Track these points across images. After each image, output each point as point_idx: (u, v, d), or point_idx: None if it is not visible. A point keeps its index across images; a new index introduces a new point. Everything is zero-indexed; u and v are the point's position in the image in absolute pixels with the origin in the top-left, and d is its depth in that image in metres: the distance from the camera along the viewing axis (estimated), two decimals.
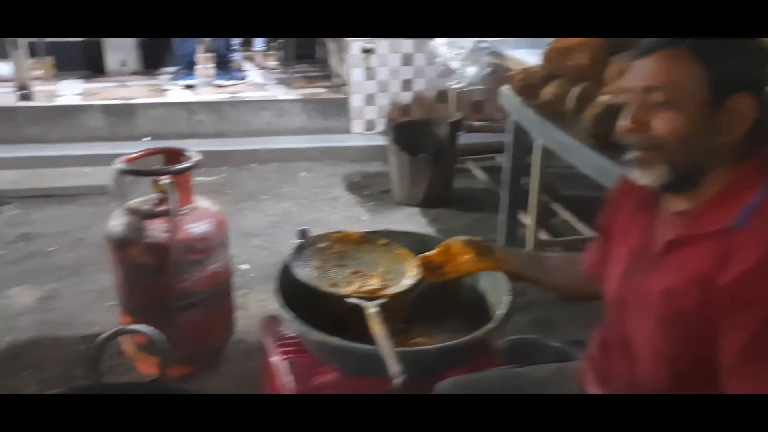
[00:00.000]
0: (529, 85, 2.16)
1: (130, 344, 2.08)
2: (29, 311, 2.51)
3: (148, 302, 1.99)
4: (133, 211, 2.00)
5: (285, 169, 4.24)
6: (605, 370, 1.18)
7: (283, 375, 1.67)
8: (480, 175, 3.87)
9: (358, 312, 1.66)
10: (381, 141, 4.47)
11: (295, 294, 1.71)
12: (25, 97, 4.37)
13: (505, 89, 2.40)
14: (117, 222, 2.00)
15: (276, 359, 1.74)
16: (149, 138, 4.41)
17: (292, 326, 1.62)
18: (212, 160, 3.94)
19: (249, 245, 3.12)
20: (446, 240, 1.54)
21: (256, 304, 2.61)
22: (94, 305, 2.56)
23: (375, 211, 3.55)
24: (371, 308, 1.61)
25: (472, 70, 3.02)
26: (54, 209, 3.50)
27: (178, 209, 1.93)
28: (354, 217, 3.47)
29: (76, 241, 3.13)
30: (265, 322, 1.90)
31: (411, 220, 3.42)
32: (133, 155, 2.07)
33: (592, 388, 1.21)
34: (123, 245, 1.96)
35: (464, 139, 3.85)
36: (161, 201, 2.03)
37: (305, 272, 1.77)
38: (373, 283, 1.77)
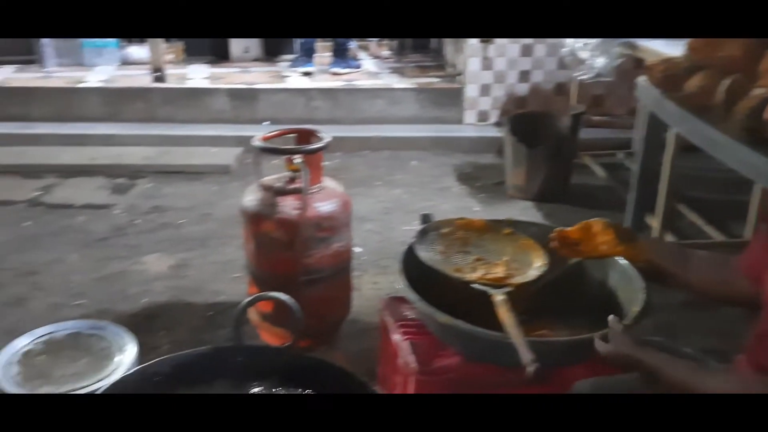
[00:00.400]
0: (671, 77, 2.05)
1: (256, 314, 2.18)
2: (163, 277, 2.68)
3: (277, 274, 2.07)
4: (267, 188, 2.09)
5: (396, 157, 4.28)
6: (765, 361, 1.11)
7: (405, 354, 1.69)
8: (599, 171, 3.74)
9: (478, 299, 1.65)
10: (494, 132, 4.42)
11: (418, 277, 1.72)
12: (159, 79, 4.67)
13: (643, 81, 2.30)
14: (251, 197, 2.10)
15: (398, 339, 1.77)
16: (268, 122, 4.60)
17: (418, 307, 1.64)
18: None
19: (362, 229, 3.18)
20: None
21: (369, 286, 2.67)
22: (220, 275, 2.71)
23: (487, 202, 3.51)
24: (499, 296, 1.60)
25: (601, 61, 2.91)
26: (182, 185, 3.73)
27: (309, 188, 2.00)
28: (466, 207, 3.45)
29: (202, 215, 3.32)
30: (386, 303, 1.94)
31: (525, 214, 3.35)
32: (270, 134, 2.16)
33: None
34: (256, 219, 2.05)
35: (582, 133, 3.72)
36: (293, 179, 2.11)
37: (429, 255, 1.78)
38: (498, 272, 1.75)
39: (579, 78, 3.42)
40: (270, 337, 2.22)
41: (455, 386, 1.62)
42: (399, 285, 2.58)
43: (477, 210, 3.42)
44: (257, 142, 2.09)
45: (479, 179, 3.84)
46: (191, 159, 4.02)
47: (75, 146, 4.18)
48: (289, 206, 2.03)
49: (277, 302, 2.11)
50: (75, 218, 3.26)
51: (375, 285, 2.67)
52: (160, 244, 2.98)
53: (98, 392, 1.32)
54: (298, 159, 2.03)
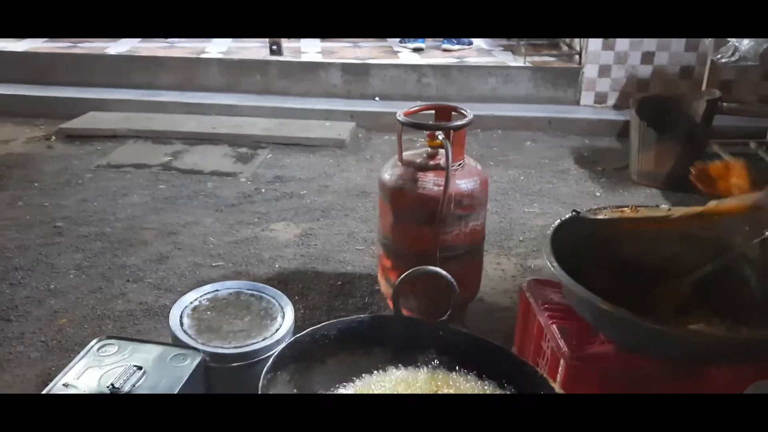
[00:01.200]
0: None
1: (389, 287, 2.23)
2: (292, 245, 2.79)
3: (414, 249, 2.10)
4: (408, 163, 2.11)
5: (509, 137, 4.22)
6: None
7: (554, 339, 1.69)
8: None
9: (638, 282, 1.63)
10: (612, 115, 4.28)
11: (566, 260, 1.70)
12: (275, 52, 4.79)
13: None
14: (392, 172, 2.13)
15: (545, 322, 1.76)
16: (378, 98, 4.64)
17: (571, 291, 1.62)
18: None
19: None
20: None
21: (492, 267, 2.66)
22: (345, 246, 2.78)
23: (610, 188, 3.41)
24: None
25: (748, 44, 2.74)
26: (300, 156, 3.83)
27: (452, 164, 2.00)
28: (587, 192, 3.37)
29: (321, 187, 3.40)
30: (529, 285, 1.93)
31: (652, 202, 3.23)
32: (412, 109, 2.17)
33: None
34: (397, 194, 2.08)
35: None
36: (433, 155, 2.13)
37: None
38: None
39: (718, 60, 3.24)
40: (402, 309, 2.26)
41: (607, 375, 1.61)
42: (530, 266, 2.58)
43: (599, 195, 3.33)
44: (401, 117, 2.11)
45: (599, 163, 3.73)
46: (307, 132, 4.12)
47: (197, 115, 4.38)
48: (430, 182, 2.05)
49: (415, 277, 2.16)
50: (205, 184, 3.42)
51: (498, 266, 2.67)
52: (285, 213, 3.09)
53: (273, 353, 1.39)
54: (441, 135, 2.04)
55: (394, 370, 1.50)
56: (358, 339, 1.52)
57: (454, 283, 1.56)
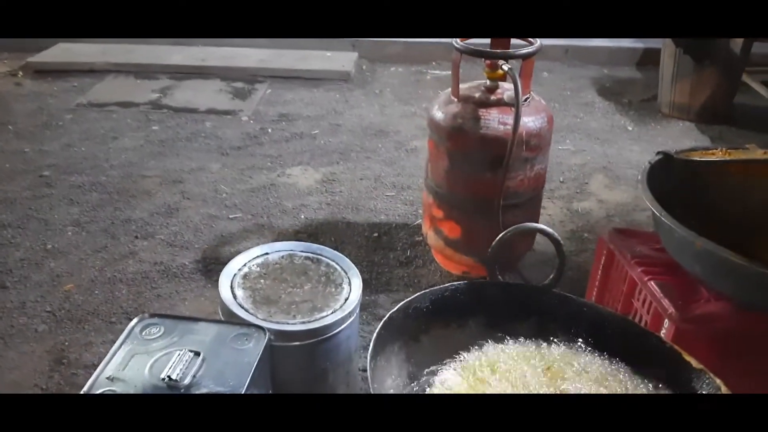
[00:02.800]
0: None
1: (438, 237, 2.00)
2: (315, 192, 2.52)
3: (473, 197, 1.87)
4: (466, 99, 1.85)
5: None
6: None
7: (656, 297, 1.49)
8: (763, 91, 3.35)
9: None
10: (633, 42, 4.02)
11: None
12: None
13: None
14: (446, 109, 1.87)
15: (640, 278, 1.57)
16: None
17: (686, 241, 1.41)
18: (443, 53, 3.75)
19: None
20: None
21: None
22: (373, 193, 2.53)
23: (640, 121, 3.20)
24: None
25: None
26: (303, 91, 3.50)
27: (522, 100, 1.75)
28: (618, 126, 3.15)
29: (333, 126, 3.11)
30: (611, 235, 1.73)
31: (687, 136, 3.04)
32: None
33: None
34: (455, 135, 1.82)
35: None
36: (492, 89, 1.87)
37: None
38: None
39: None
40: (450, 264, 2.05)
41: (721, 337, 1.43)
42: (577, 209, 2.38)
43: (631, 129, 3.12)
44: (458, 44, 1.82)
45: (624, 94, 3.51)
46: (307, 63, 3.77)
47: (182, 46, 3.97)
48: (494, 120, 1.80)
49: (466, 229, 1.94)
50: (203, 123, 3.09)
51: (544, 210, 2.45)
52: (300, 156, 2.80)
53: (343, 328, 1.17)
54: (507, 65, 1.78)
55: (495, 346, 1.30)
56: (451, 310, 1.30)
57: (561, 241, 1.34)
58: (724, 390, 1.13)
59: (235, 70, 3.68)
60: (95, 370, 1.19)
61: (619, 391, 1.19)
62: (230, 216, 2.35)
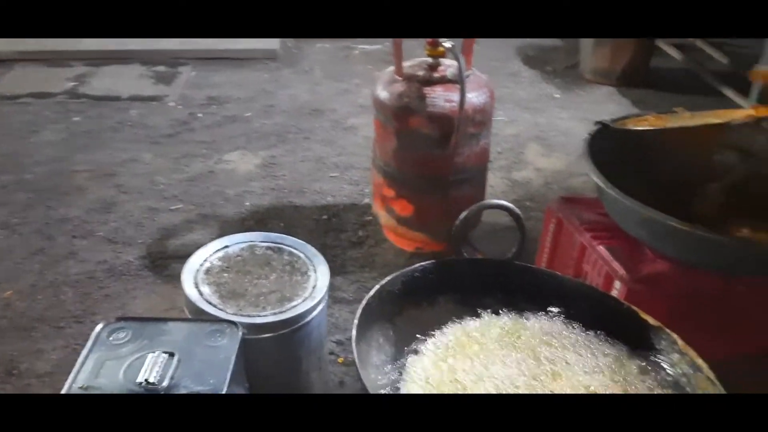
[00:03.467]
0: None
1: (390, 217, 2.02)
2: (256, 177, 2.48)
3: (423, 175, 1.90)
4: (410, 77, 1.86)
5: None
6: None
7: (606, 261, 1.58)
8: (676, 53, 3.54)
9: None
10: None
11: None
12: None
13: None
14: (391, 89, 1.87)
15: (589, 243, 1.65)
16: None
17: (629, 208, 1.49)
18: None
19: None
20: None
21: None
22: (317, 174, 2.51)
23: (565, 88, 3.32)
24: None
25: None
26: (230, 73, 3.40)
27: (465, 76, 1.78)
28: (545, 94, 3.26)
29: (267, 107, 3.05)
30: (558, 204, 1.80)
31: (610, 100, 3.19)
32: None
33: None
34: (402, 114, 1.84)
35: None
36: (435, 66, 1.89)
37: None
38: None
39: None
40: (403, 241, 2.08)
41: (668, 294, 1.53)
42: (517, 179, 2.46)
43: (557, 97, 3.24)
44: None
45: (548, 62, 3.62)
46: (231, 43, 3.65)
47: None
48: (440, 98, 1.82)
49: (418, 206, 1.97)
50: (127, 112, 2.95)
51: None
52: (235, 140, 2.74)
53: (314, 315, 1.17)
54: (448, 42, 1.80)
55: (466, 321, 1.34)
56: (422, 290, 1.33)
57: (521, 215, 1.39)
58: (680, 344, 1.22)
59: (155, 53, 3.52)
60: (51, 378, 1.15)
61: (588, 355, 1.26)
62: (171, 207, 2.28)
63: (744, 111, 1.81)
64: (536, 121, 2.98)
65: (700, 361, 1.17)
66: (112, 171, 2.47)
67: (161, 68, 3.41)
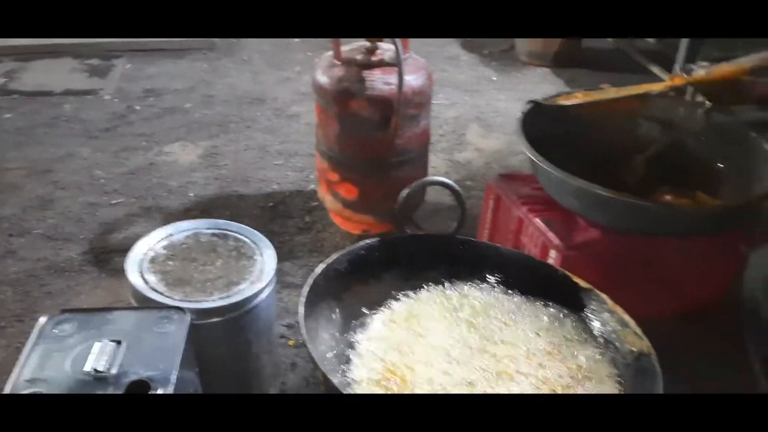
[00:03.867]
0: None
1: (335, 201, 2.05)
2: (199, 168, 2.46)
3: (365, 157, 1.93)
4: (348, 61, 1.88)
5: None
6: None
7: (543, 231, 1.66)
8: None
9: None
10: None
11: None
12: None
13: None
14: (330, 73, 1.89)
15: (526, 216, 1.72)
16: None
17: (561, 180, 1.57)
18: None
19: None
20: None
21: None
22: (261, 162, 2.51)
23: (502, 71, 3.40)
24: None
25: None
26: (166, 64, 3.35)
27: (403, 60, 1.82)
28: (483, 77, 3.33)
29: (206, 98, 3.02)
30: (497, 181, 1.87)
31: (545, 81, 3.29)
32: None
33: None
34: (342, 98, 1.86)
35: None
36: (372, 50, 1.92)
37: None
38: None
39: None
40: (350, 224, 2.11)
41: (599, 260, 1.62)
42: (458, 160, 2.52)
43: (495, 79, 3.32)
44: None
45: (484, 46, 3.69)
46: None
47: None
48: (379, 81, 1.86)
49: (362, 189, 2.01)
50: (61, 107, 2.87)
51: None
52: (175, 132, 2.71)
53: (261, 298, 1.18)
54: None
55: (412, 295, 1.39)
56: (368, 266, 1.37)
57: (460, 191, 1.44)
58: (609, 304, 1.30)
59: (87, 45, 3.42)
60: None
61: (526, 320, 1.33)
62: (112, 202, 2.24)
63: (662, 83, 1.92)
64: (476, 103, 3.05)
65: (627, 318, 1.25)
66: (48, 167, 2.41)
67: (95, 61, 3.33)
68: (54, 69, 3.23)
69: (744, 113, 1.84)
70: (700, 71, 1.64)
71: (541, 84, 3.24)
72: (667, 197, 1.75)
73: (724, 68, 1.59)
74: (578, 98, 1.82)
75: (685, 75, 1.71)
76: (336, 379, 1.11)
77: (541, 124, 1.81)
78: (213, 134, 2.69)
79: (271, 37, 3.35)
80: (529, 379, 1.20)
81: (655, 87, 1.90)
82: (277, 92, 3.08)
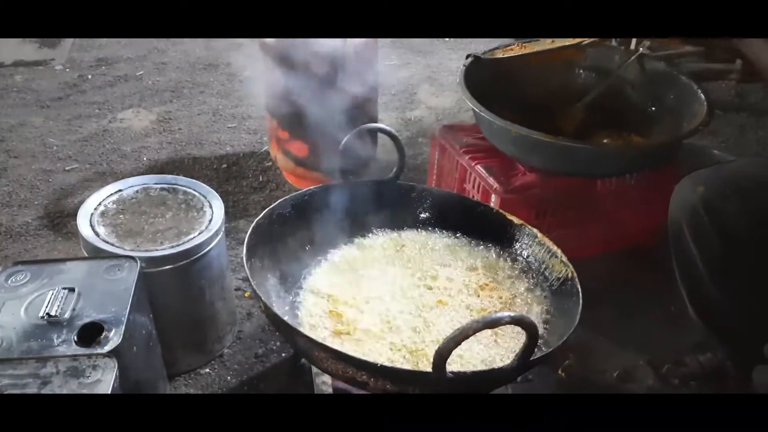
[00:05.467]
0: None
1: (288, 159, 2.10)
2: (152, 133, 2.47)
3: (315, 115, 1.98)
4: None
5: None
6: None
7: (484, 177, 1.73)
8: None
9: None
10: None
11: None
12: None
13: None
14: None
15: (468, 163, 1.79)
16: None
17: (502, 129, 1.63)
18: None
19: None
20: None
21: None
22: (214, 126, 2.54)
23: None
24: None
25: None
26: None
27: None
28: (437, 40, 3.37)
29: (159, 65, 3.01)
30: (441, 131, 1.94)
31: (497, 39, 3.34)
32: None
33: None
34: (288, 57, 1.89)
35: None
36: None
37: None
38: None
39: None
40: (303, 182, 2.16)
41: (537, 201, 1.71)
42: (410, 118, 2.58)
43: (448, 40, 3.36)
44: None
45: None
46: None
47: None
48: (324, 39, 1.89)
49: (313, 146, 2.06)
50: (12, 78, 2.84)
51: (381, 122, 2.62)
52: (128, 99, 2.71)
53: (213, 245, 1.23)
54: None
55: (355, 239, 1.46)
56: (312, 212, 1.43)
57: (398, 137, 1.51)
58: (539, 237, 1.38)
59: None
60: None
61: (464, 257, 1.41)
62: (66, 168, 2.25)
63: None
64: (428, 63, 3.10)
65: (555, 248, 1.33)
66: (0, 137, 2.40)
67: None
68: (3, 41, 3.18)
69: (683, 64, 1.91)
70: None
71: (493, 42, 3.29)
72: (605, 141, 1.84)
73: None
74: (516, 50, 1.89)
75: None
76: (281, 311, 1.18)
77: (483, 77, 1.88)
78: (166, 100, 2.70)
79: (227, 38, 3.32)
80: (463, 307, 1.29)
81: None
82: (231, 57, 3.08)
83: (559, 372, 1.57)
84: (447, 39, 3.36)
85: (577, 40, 1.84)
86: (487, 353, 1.19)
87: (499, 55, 1.91)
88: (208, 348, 1.59)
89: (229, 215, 2.04)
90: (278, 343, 1.65)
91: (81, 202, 2.05)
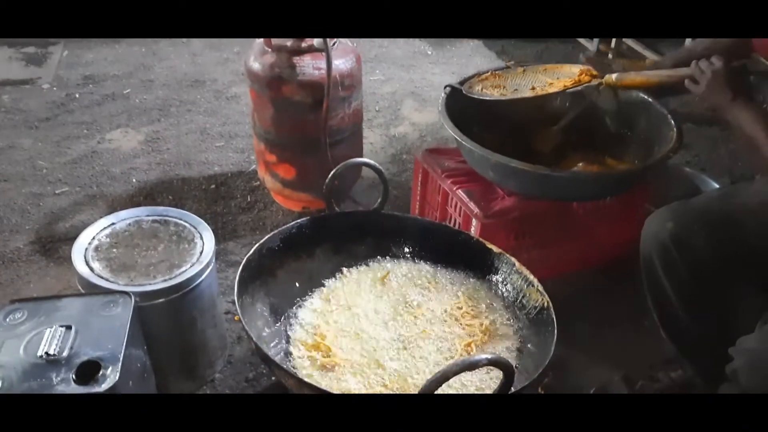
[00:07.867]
0: None
1: (275, 181, 2.15)
2: (141, 153, 2.51)
3: (301, 139, 2.03)
4: (279, 48, 1.97)
5: None
6: None
7: (465, 202, 1.80)
8: None
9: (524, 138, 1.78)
10: None
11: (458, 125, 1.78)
12: None
13: None
14: (262, 60, 1.97)
15: (450, 188, 1.86)
16: None
17: (482, 156, 1.69)
18: None
19: None
20: None
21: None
22: (202, 145, 2.58)
23: (437, 45, 3.51)
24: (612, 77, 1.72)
25: None
26: (104, 49, 3.34)
27: (332, 45, 1.91)
28: (419, 52, 3.44)
29: (145, 83, 3.04)
30: (424, 155, 2.00)
31: (477, 53, 3.41)
32: None
33: None
34: (276, 83, 1.94)
35: None
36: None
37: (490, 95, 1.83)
38: (555, 85, 1.83)
39: None
40: (290, 202, 2.22)
41: (515, 225, 1.77)
42: (394, 135, 2.63)
43: (431, 54, 3.42)
44: None
45: None
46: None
47: None
48: (309, 66, 1.94)
49: (300, 168, 2.11)
50: (0, 98, 2.87)
51: (365, 140, 2.67)
52: (116, 118, 2.74)
53: (203, 278, 1.28)
54: None
55: (346, 269, 1.52)
56: (300, 244, 1.49)
57: (382, 169, 1.56)
58: (517, 265, 1.45)
59: None
60: None
61: (447, 285, 1.47)
62: (56, 191, 2.29)
63: (571, 78, 1.98)
64: (411, 78, 3.16)
65: (531, 277, 1.40)
66: None
67: (30, 49, 3.30)
68: None
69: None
70: (612, 76, 1.76)
71: (474, 56, 3.37)
72: (580, 164, 1.91)
73: (634, 78, 1.72)
74: (489, 80, 1.94)
75: (593, 71, 1.83)
76: (271, 352, 1.23)
77: (463, 103, 1.93)
78: (154, 119, 2.74)
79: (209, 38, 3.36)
80: (446, 336, 1.35)
81: (564, 70, 2.00)
82: (217, 74, 3.13)
83: (539, 390, 1.64)
84: (429, 53, 3.43)
85: (560, 88, 1.86)
86: (470, 376, 1.25)
87: (476, 83, 1.96)
88: (199, 374, 1.64)
89: (218, 237, 2.09)
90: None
91: (72, 227, 2.12)
